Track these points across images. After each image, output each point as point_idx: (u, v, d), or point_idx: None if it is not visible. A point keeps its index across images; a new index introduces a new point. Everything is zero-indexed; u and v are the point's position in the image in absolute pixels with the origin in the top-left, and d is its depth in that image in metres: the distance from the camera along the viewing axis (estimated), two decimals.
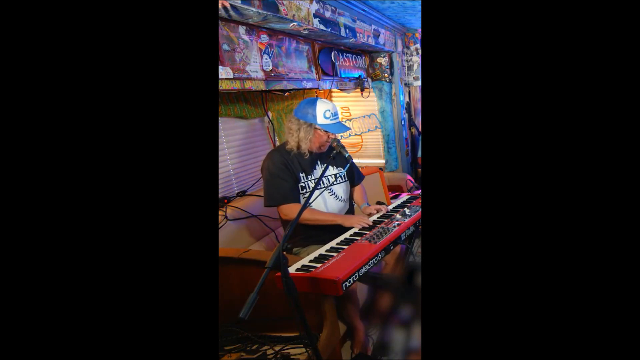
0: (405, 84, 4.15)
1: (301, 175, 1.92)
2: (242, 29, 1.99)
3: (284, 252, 1.19)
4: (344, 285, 1.37)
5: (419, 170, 4.33)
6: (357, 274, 1.45)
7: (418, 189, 3.67)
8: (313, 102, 1.87)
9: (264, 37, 2.16)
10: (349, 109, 3.88)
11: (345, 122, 3.53)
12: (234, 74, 1.92)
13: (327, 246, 1.73)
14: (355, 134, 3.77)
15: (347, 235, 1.83)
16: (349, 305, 1.75)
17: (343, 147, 1.95)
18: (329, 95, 3.66)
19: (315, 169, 1.97)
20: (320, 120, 1.85)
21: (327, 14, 2.43)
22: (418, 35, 4.04)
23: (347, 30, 2.71)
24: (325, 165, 1.88)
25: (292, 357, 1.50)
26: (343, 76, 3.13)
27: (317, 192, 1.91)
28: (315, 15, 2.28)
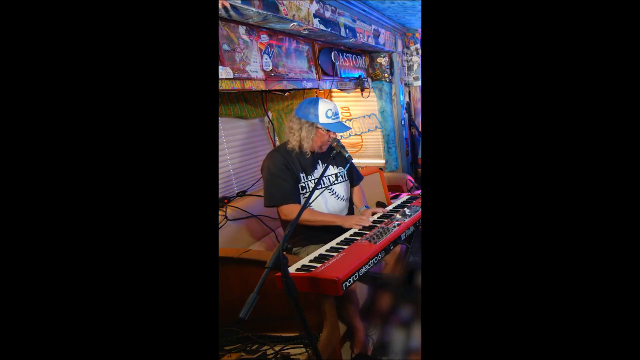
0: (405, 84, 4.15)
1: (302, 175, 1.92)
2: (242, 29, 1.99)
3: (284, 252, 1.19)
4: (344, 285, 1.37)
5: (419, 170, 4.33)
6: (357, 274, 1.45)
7: (418, 189, 3.66)
8: (315, 102, 1.88)
9: (264, 37, 2.16)
10: (349, 109, 3.88)
11: (346, 122, 3.53)
12: (234, 74, 1.92)
13: (327, 246, 1.73)
14: (355, 134, 3.77)
15: (347, 235, 1.83)
16: (349, 305, 1.75)
17: (343, 147, 1.95)
18: (329, 95, 3.66)
19: (315, 169, 1.97)
20: (322, 119, 1.86)
21: (327, 14, 2.43)
22: (418, 35, 4.04)
23: (347, 30, 2.71)
24: (325, 165, 1.88)
25: (292, 357, 1.50)
26: (343, 76, 3.13)
27: (317, 192, 1.91)
28: (315, 15, 2.28)
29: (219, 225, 2.05)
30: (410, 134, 4.26)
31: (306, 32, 2.39)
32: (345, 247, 1.67)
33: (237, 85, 1.95)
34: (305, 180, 1.93)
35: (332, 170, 2.05)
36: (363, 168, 3.06)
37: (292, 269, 1.49)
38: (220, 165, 2.40)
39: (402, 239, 1.79)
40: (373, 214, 2.05)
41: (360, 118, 3.75)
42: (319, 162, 1.99)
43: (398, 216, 1.95)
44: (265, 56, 2.18)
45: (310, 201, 1.47)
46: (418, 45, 4.05)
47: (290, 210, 1.86)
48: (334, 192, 2.02)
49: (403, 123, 4.07)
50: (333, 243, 1.75)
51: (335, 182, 2.04)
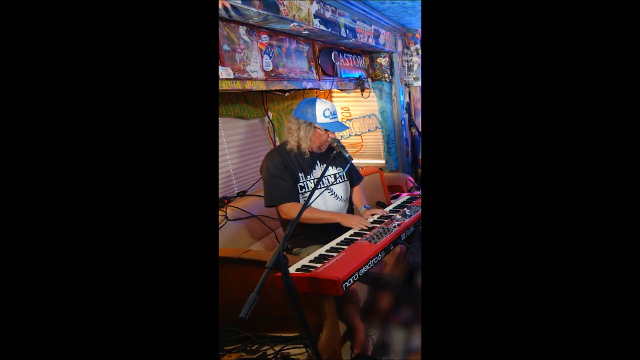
0: (406, 84, 4.15)
1: (300, 175, 1.92)
2: (242, 29, 1.99)
3: (284, 252, 1.19)
4: (344, 285, 1.37)
5: (419, 170, 4.33)
6: (357, 274, 1.45)
7: (418, 189, 3.66)
8: (312, 102, 1.88)
9: (265, 38, 2.16)
10: (349, 109, 3.88)
11: (345, 122, 3.53)
12: (234, 74, 1.92)
13: (327, 246, 1.73)
14: (356, 134, 3.77)
15: (347, 235, 1.83)
16: (349, 305, 1.75)
17: (343, 147, 1.95)
18: (329, 95, 3.66)
19: (314, 169, 1.97)
20: (320, 119, 1.86)
21: (328, 15, 2.43)
22: (418, 35, 4.03)
23: (348, 31, 2.71)
24: (325, 165, 1.88)
25: (292, 357, 1.49)
26: (343, 76, 3.13)
27: (317, 192, 1.91)
28: (315, 16, 2.28)
29: (219, 225, 2.05)
30: (410, 134, 4.25)
31: (306, 32, 2.39)
32: (345, 247, 1.67)
33: (237, 86, 1.95)
34: (304, 180, 1.93)
35: (331, 170, 2.05)
36: (363, 168, 3.06)
37: (292, 269, 1.49)
38: (220, 165, 2.40)
39: (402, 239, 1.79)
40: (372, 214, 2.05)
41: (360, 118, 3.74)
42: (318, 162, 1.99)
43: (398, 216, 1.95)
44: (266, 56, 2.18)
45: (310, 202, 1.47)
46: (418, 46, 4.05)
47: (289, 209, 1.86)
48: (333, 192, 2.02)
49: (403, 123, 4.06)
50: (333, 243, 1.75)
51: (335, 182, 2.04)
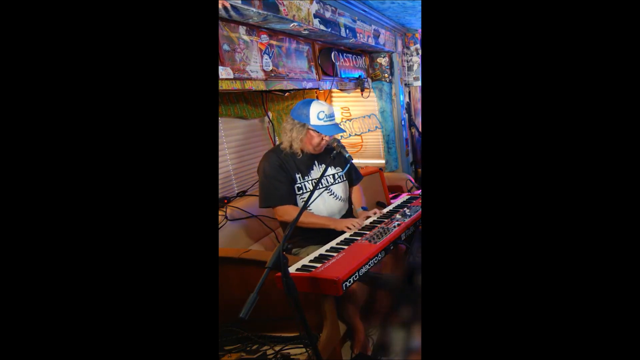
0: (405, 84, 4.15)
1: (297, 176, 1.92)
2: (242, 29, 1.99)
3: (284, 252, 1.19)
4: (344, 285, 1.37)
5: (419, 170, 4.33)
6: (357, 274, 1.45)
7: (418, 189, 3.66)
8: (308, 103, 1.87)
9: (264, 37, 2.16)
10: (349, 109, 3.88)
11: (345, 122, 3.53)
12: (234, 74, 1.92)
13: (327, 246, 1.73)
14: (356, 134, 3.77)
15: (346, 235, 1.83)
16: (349, 305, 1.75)
17: (343, 147, 1.95)
18: (329, 95, 3.66)
19: (312, 169, 1.97)
20: (314, 121, 1.85)
21: (327, 14, 2.43)
22: (418, 35, 4.03)
23: (347, 31, 2.71)
24: (325, 166, 1.88)
25: (292, 357, 1.49)
26: (343, 76, 3.12)
27: (316, 193, 1.91)
28: (315, 16, 2.28)
29: (219, 226, 2.05)
30: (410, 134, 4.25)
31: (306, 32, 2.39)
32: (345, 247, 1.67)
33: (237, 86, 1.95)
34: (302, 181, 1.93)
35: (330, 170, 2.05)
36: (363, 168, 3.06)
37: (292, 269, 1.49)
38: (220, 165, 2.40)
39: (402, 239, 1.79)
40: (367, 217, 2.04)
41: (360, 118, 3.74)
42: (316, 162, 1.99)
43: (398, 216, 1.95)
44: (266, 56, 2.18)
45: (309, 202, 1.46)
46: (418, 46, 4.04)
47: (285, 212, 1.86)
48: (332, 192, 2.02)
49: (403, 123, 4.06)
50: (333, 243, 1.75)
51: (334, 182, 2.04)
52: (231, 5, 1.68)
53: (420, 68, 4.12)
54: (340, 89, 3.20)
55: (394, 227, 1.80)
